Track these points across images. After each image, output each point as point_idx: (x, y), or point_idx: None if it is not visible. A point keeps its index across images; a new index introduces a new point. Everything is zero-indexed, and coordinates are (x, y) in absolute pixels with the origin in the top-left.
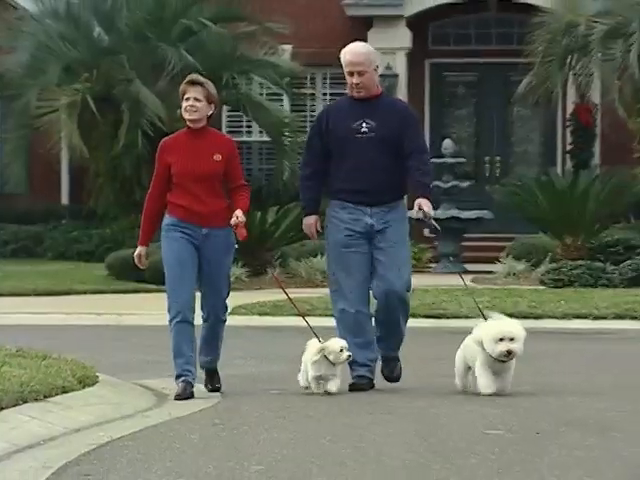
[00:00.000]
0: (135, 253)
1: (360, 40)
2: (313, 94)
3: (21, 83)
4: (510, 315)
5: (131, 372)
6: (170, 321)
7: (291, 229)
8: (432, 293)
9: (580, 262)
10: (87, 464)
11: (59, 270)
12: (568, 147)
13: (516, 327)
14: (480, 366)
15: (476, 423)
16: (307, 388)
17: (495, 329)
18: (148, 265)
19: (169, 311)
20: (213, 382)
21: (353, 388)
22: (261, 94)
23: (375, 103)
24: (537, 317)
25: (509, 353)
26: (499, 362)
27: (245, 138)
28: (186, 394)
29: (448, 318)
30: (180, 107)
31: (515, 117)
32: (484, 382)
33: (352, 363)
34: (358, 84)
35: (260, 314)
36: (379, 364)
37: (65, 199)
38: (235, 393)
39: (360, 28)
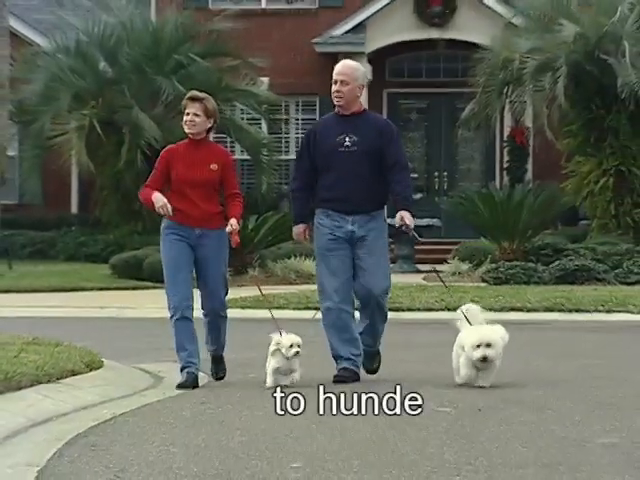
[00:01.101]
0: (159, 204)
1: (326, 72)
2: (287, 119)
3: (36, 109)
4: (456, 308)
5: (131, 357)
6: (171, 318)
7: (268, 234)
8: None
9: (515, 263)
10: (93, 436)
11: (69, 270)
12: (505, 164)
13: (494, 334)
14: (463, 361)
15: (429, 402)
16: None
17: (475, 336)
18: (149, 260)
19: (169, 309)
20: (218, 370)
21: (336, 380)
22: (242, 119)
23: (358, 119)
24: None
25: (484, 358)
26: (479, 366)
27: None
28: (189, 383)
29: (404, 311)
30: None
31: (460, 139)
32: (463, 373)
33: (337, 357)
34: (338, 92)
35: (242, 307)
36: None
37: (74, 209)
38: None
39: (327, 63)
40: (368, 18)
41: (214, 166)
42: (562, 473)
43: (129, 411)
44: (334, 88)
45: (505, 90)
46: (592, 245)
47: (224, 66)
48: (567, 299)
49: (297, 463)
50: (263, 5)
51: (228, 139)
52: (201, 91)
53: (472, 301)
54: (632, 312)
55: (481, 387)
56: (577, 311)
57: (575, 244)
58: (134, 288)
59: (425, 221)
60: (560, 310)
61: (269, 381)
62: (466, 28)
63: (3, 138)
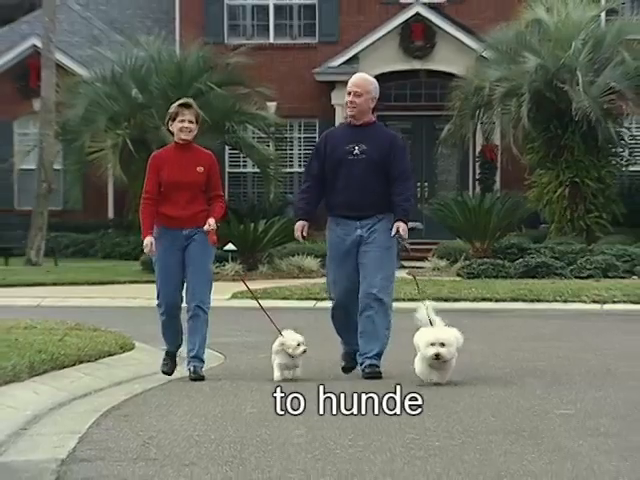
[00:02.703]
0: (145, 243)
1: (325, 97)
2: (291, 138)
3: (78, 130)
4: (436, 299)
5: (158, 341)
6: (160, 315)
7: (275, 236)
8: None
9: (486, 260)
10: (126, 408)
11: (105, 266)
12: (477, 176)
13: (448, 334)
14: (417, 360)
15: (413, 378)
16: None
17: (429, 335)
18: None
19: (158, 306)
20: (195, 370)
21: (366, 376)
22: (253, 138)
23: (368, 129)
24: (455, 300)
25: (437, 356)
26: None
27: (242, 170)
28: (197, 376)
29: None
30: (167, 127)
31: (439, 154)
32: (417, 370)
33: (357, 354)
34: (352, 102)
35: (254, 298)
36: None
37: (110, 214)
38: (234, 356)
39: (326, 90)
40: (361, 51)
41: (200, 168)
42: (526, 439)
43: (157, 386)
44: (348, 99)
45: (477, 113)
46: (551, 245)
47: (237, 93)
48: (530, 291)
49: (300, 430)
50: (271, 40)
51: (241, 155)
52: (215, 114)
53: (449, 292)
54: (585, 302)
55: (436, 384)
56: (538, 301)
57: (536, 244)
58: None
59: (409, 224)
60: (524, 300)
61: (276, 375)
62: (444, 60)
63: (50, 154)
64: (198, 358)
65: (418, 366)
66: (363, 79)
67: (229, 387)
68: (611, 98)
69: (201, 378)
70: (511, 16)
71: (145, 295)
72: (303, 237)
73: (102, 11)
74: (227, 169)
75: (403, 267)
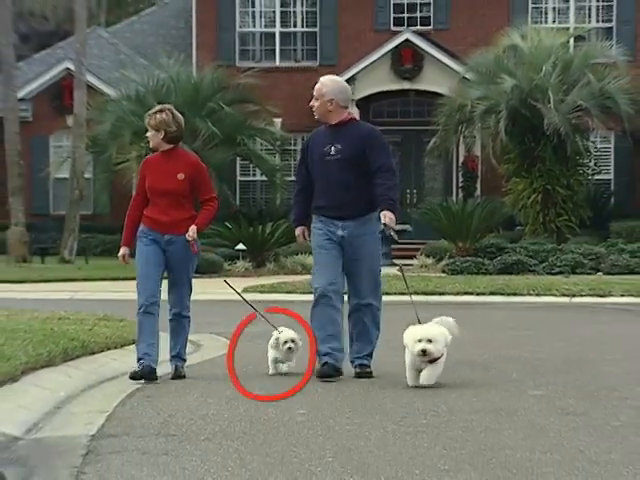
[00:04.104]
0: (120, 253)
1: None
2: (294, 151)
3: (106, 143)
4: (423, 293)
5: None
6: (137, 312)
7: (281, 237)
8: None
9: (468, 258)
10: (149, 390)
11: (131, 264)
12: (460, 184)
13: (435, 331)
14: (407, 363)
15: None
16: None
17: (417, 332)
18: (129, 262)
19: (137, 304)
20: (177, 373)
21: (319, 376)
22: (261, 150)
23: (344, 128)
24: (440, 294)
25: (424, 352)
26: (420, 360)
27: (252, 178)
28: (140, 374)
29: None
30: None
31: (426, 164)
32: (407, 375)
33: (318, 353)
34: (311, 106)
35: (261, 292)
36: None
37: None
38: (244, 344)
39: None
40: (357, 73)
41: (181, 175)
42: (503, 417)
43: None
44: (310, 103)
45: (460, 128)
46: (525, 245)
47: (247, 110)
48: (507, 285)
49: (302, 410)
50: (277, 64)
51: (250, 165)
52: (227, 128)
53: (435, 287)
54: (555, 295)
55: (424, 387)
56: (514, 295)
57: (513, 244)
58: None
59: (399, 226)
60: (501, 294)
61: (271, 369)
62: (430, 81)
63: (81, 165)
64: (180, 358)
65: (408, 372)
66: (320, 83)
67: (239, 372)
68: (579, 115)
69: (182, 377)
70: (490, 42)
71: (165, 289)
72: (305, 240)
73: (127, 38)
74: (238, 177)
75: (394, 265)
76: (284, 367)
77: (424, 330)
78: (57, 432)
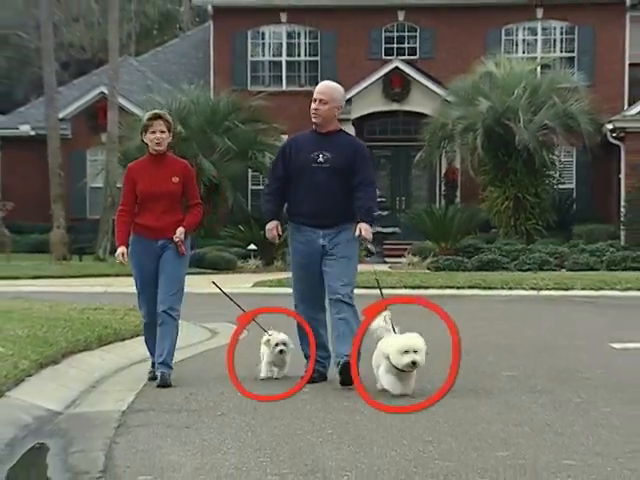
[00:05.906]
0: (117, 253)
1: None
2: None
3: (134, 157)
4: (411, 287)
5: (195, 319)
6: (143, 319)
7: (287, 238)
8: (365, 274)
9: (449, 257)
10: (172, 372)
11: None
12: (443, 192)
13: (418, 340)
14: (382, 372)
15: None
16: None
17: (400, 343)
18: (209, 256)
19: (141, 310)
20: (162, 380)
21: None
22: (270, 163)
23: (333, 137)
24: (425, 288)
25: (414, 364)
26: (402, 371)
27: (261, 187)
28: (164, 382)
29: (369, 288)
30: (141, 139)
31: (413, 175)
32: (385, 382)
33: (307, 357)
34: (316, 110)
35: (270, 286)
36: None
37: None
38: (254, 332)
39: None
40: (353, 96)
41: (176, 179)
42: (481, 395)
43: (197, 354)
44: (313, 106)
45: (442, 144)
46: (499, 245)
47: (258, 128)
48: (483, 280)
49: (306, 389)
50: (283, 88)
51: (260, 176)
52: (240, 144)
53: (420, 282)
54: (525, 289)
55: (403, 395)
56: (490, 288)
57: (488, 244)
58: (197, 274)
59: (390, 229)
60: (478, 288)
61: (263, 372)
62: (417, 103)
63: (114, 175)
64: (166, 365)
65: (386, 379)
66: (328, 87)
67: (250, 357)
68: (545, 132)
69: (168, 385)
70: (468, 70)
71: (188, 284)
72: (279, 235)
73: (154, 66)
74: (250, 187)
75: (385, 262)
76: (278, 371)
77: (410, 341)
78: (92, 408)
